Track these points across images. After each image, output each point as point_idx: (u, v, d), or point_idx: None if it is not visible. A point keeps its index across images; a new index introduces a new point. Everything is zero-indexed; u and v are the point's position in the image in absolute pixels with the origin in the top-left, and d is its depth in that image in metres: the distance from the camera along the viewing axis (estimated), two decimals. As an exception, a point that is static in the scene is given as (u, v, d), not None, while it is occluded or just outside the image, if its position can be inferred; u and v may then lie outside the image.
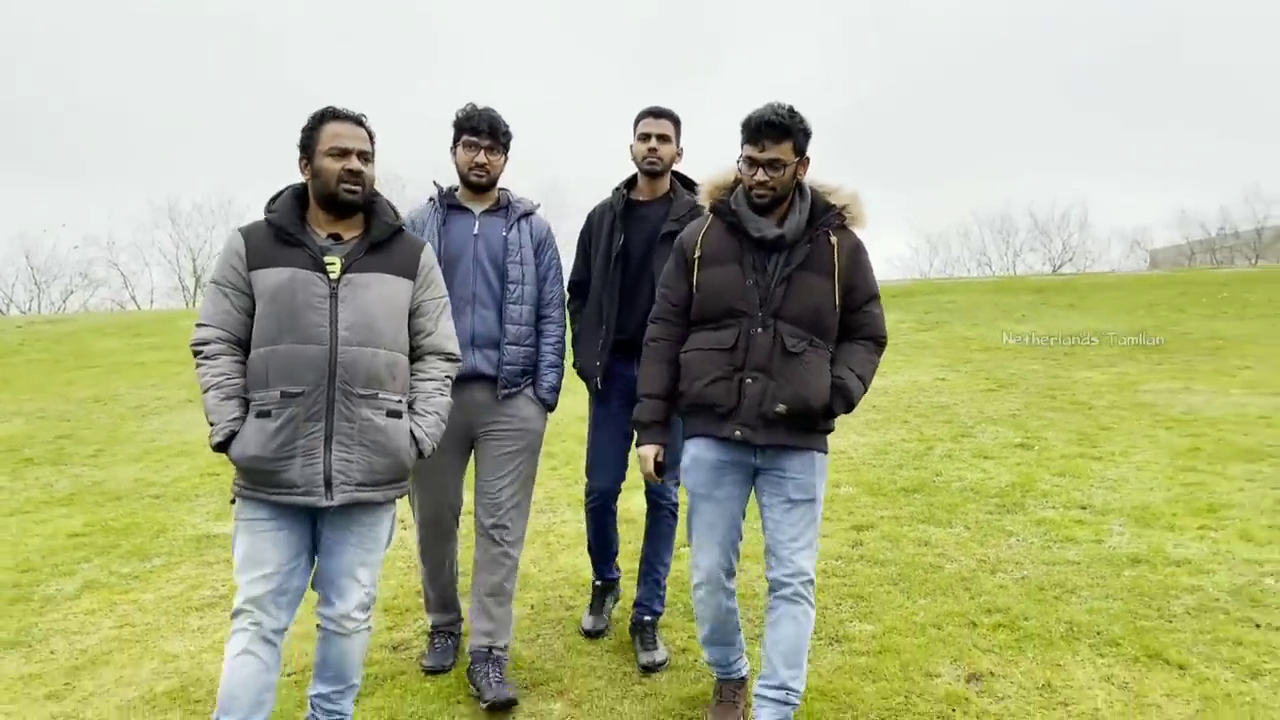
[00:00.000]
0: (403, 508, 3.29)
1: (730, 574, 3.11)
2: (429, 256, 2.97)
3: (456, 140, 3.51)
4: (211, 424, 2.70)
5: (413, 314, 2.90)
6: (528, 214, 3.59)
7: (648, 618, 3.81)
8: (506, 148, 3.53)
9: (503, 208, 3.55)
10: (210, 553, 5.24)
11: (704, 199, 3.16)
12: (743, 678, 3.29)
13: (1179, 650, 3.62)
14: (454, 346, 3.00)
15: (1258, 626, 3.78)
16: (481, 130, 3.43)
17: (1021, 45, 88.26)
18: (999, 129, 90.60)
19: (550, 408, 3.65)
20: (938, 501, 5.54)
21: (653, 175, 3.72)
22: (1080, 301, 13.64)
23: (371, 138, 2.86)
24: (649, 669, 3.65)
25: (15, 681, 3.80)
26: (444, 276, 3.25)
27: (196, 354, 2.77)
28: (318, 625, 2.86)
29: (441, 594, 3.74)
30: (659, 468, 3.15)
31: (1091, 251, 51.60)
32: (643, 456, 3.14)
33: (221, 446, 2.71)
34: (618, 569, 4.11)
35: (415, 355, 2.93)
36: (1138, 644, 3.67)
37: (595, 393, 3.76)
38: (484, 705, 3.34)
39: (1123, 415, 7.35)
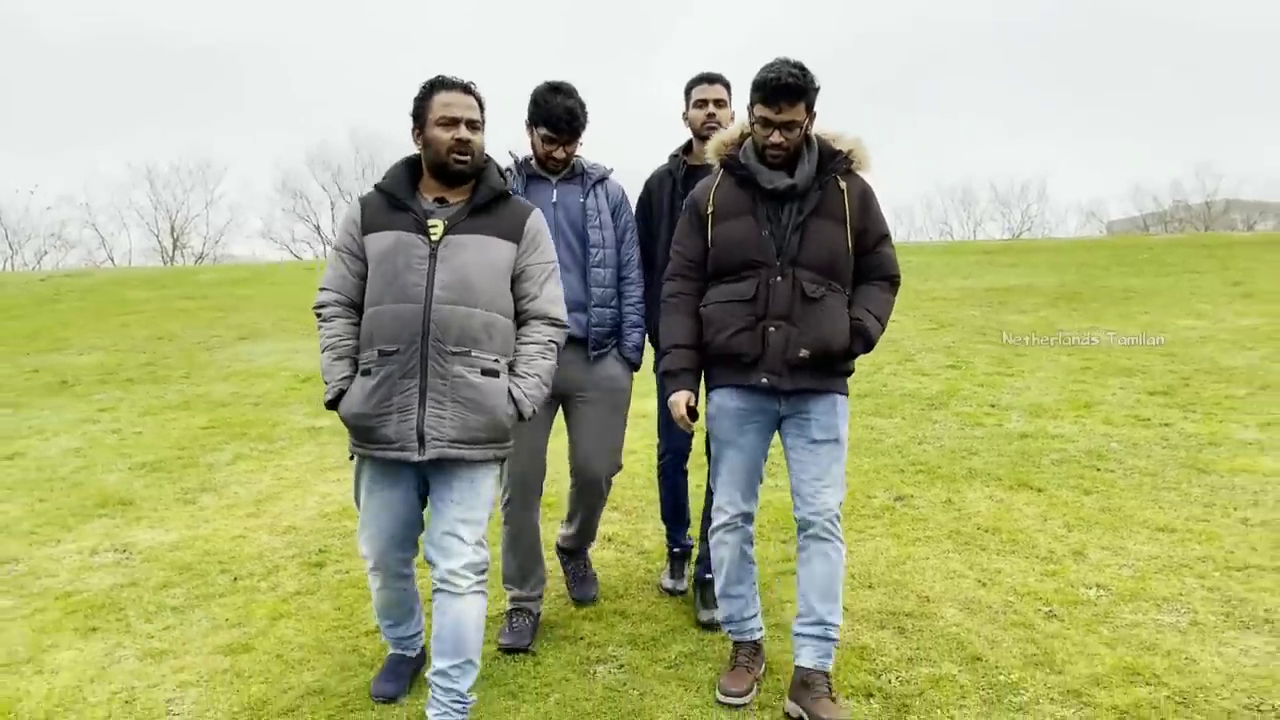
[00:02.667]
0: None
1: (749, 518, 3.18)
2: (537, 221, 2.99)
3: (534, 124, 3.54)
4: (326, 383, 2.86)
5: (517, 278, 2.92)
6: (602, 179, 3.66)
7: (709, 575, 3.76)
8: (582, 132, 3.58)
9: (578, 175, 3.62)
10: (321, 438, 6.74)
11: (712, 156, 3.21)
12: (756, 641, 3.27)
13: (1041, 482, 5.25)
14: (560, 312, 3.00)
15: (1098, 470, 5.41)
16: (561, 129, 3.47)
17: (982, 22, 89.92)
18: (958, 100, 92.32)
19: (635, 367, 3.73)
20: (883, 402, 7.16)
21: None
22: (1020, 261, 15.31)
23: (481, 104, 2.89)
24: (708, 627, 3.67)
25: (216, 511, 5.31)
26: None
27: (317, 316, 2.95)
28: (433, 591, 2.86)
29: (522, 562, 3.68)
30: (691, 413, 3.16)
31: (1049, 222, 53.71)
32: (674, 403, 3.15)
33: (332, 404, 2.85)
34: (690, 539, 4.11)
35: (520, 320, 2.95)
36: (1013, 478, 5.31)
37: None
38: (575, 599, 3.90)
39: (1036, 345, 8.99)
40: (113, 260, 44.46)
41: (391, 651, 3.32)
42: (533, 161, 3.61)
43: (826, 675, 3.05)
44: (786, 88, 2.91)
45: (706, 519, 3.73)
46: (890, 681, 3.27)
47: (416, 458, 2.75)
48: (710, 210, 3.11)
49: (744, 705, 3.09)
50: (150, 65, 78.75)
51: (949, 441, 6.09)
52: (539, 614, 3.72)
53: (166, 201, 47.95)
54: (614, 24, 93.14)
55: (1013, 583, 4.01)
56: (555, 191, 3.57)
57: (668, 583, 4.06)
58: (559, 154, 3.52)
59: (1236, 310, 9.91)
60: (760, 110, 2.98)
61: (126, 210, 58.82)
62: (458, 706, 2.84)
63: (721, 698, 3.10)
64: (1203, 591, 3.84)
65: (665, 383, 3.21)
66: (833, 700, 2.97)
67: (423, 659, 3.31)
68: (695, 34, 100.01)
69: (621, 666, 3.42)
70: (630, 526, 4.90)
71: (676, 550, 4.10)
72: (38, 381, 9.00)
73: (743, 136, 3.16)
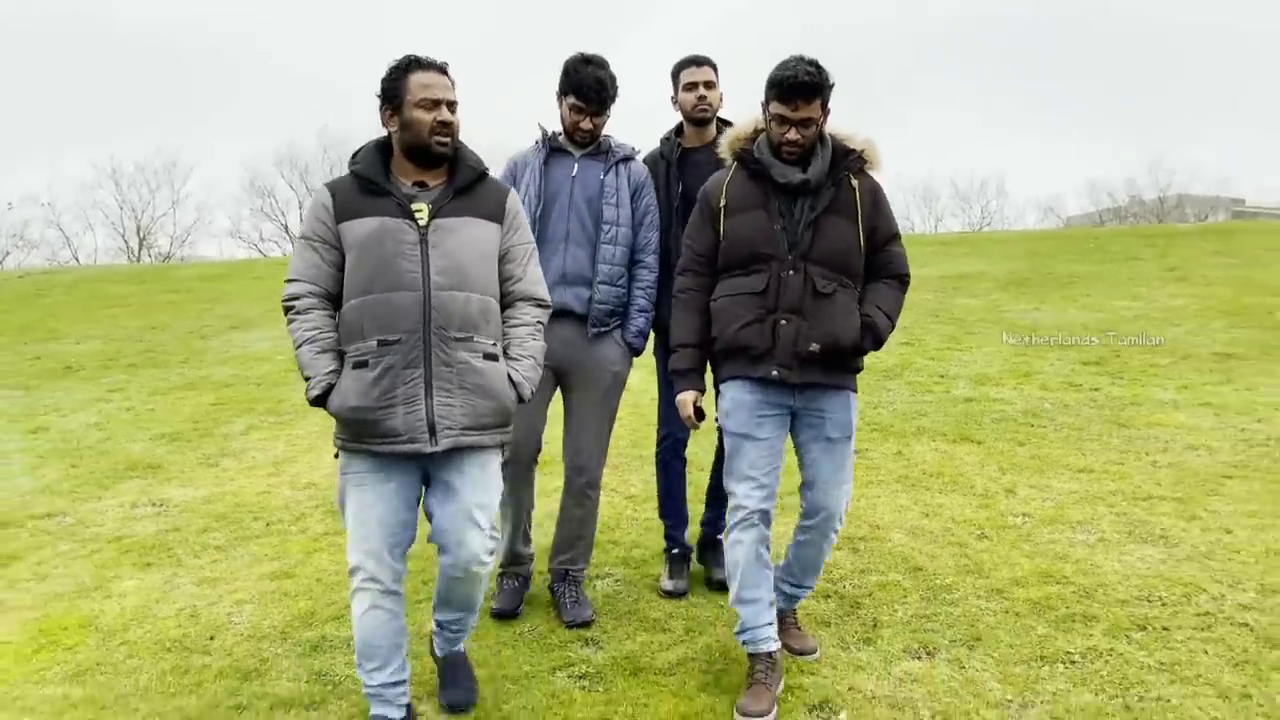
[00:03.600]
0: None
1: (767, 517, 3.09)
2: (514, 202, 2.94)
3: (564, 94, 3.53)
4: (308, 378, 2.69)
5: (501, 259, 2.87)
6: (627, 159, 3.63)
7: (718, 536, 3.93)
8: (611, 105, 3.56)
9: (603, 152, 3.60)
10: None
11: (725, 151, 3.21)
12: (772, 652, 3.10)
13: (981, 436, 5.90)
14: (544, 292, 2.97)
15: (1031, 426, 6.08)
16: (590, 99, 3.46)
17: (939, 18, 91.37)
18: (918, 97, 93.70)
19: (637, 352, 3.68)
20: (842, 375, 7.80)
21: (703, 123, 3.76)
22: (974, 251, 16.04)
23: (453, 85, 2.81)
24: (722, 585, 3.61)
25: (239, 472, 5.84)
26: (540, 215, 3.50)
27: (288, 310, 2.76)
28: (441, 570, 2.83)
29: (512, 536, 3.72)
30: (698, 412, 3.16)
31: (1009, 217, 54.90)
32: (681, 402, 3.16)
33: (320, 400, 2.69)
34: (690, 545, 4.06)
35: (506, 302, 2.89)
36: (957, 434, 5.96)
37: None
38: (566, 623, 3.60)
39: (985, 326, 9.68)
40: (77, 260, 44.32)
41: (373, 713, 2.87)
42: (560, 135, 3.60)
43: (793, 611, 3.40)
44: (803, 85, 2.93)
45: (715, 490, 3.95)
46: (845, 587, 3.89)
47: (430, 449, 2.66)
48: (723, 203, 3.10)
49: None
50: (116, 64, 78.22)
51: (901, 406, 6.73)
52: (528, 578, 3.82)
53: (132, 201, 47.66)
54: (578, 16, 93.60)
55: (951, 513, 4.65)
56: (576, 165, 3.56)
57: (667, 584, 3.90)
58: (586, 124, 3.51)
59: (1170, 292, 10.67)
60: (776, 108, 2.99)
61: (91, 210, 58.36)
62: (461, 634, 3.08)
63: (741, 719, 2.95)
64: (1111, 516, 4.49)
65: (673, 381, 3.23)
66: (799, 629, 3.37)
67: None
68: (661, 26, 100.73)
69: (618, 584, 4.01)
70: (619, 477, 5.47)
71: (676, 551, 3.98)
72: (42, 367, 9.42)
73: (756, 131, 3.16)
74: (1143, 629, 3.43)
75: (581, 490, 3.68)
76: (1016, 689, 3.09)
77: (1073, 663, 3.23)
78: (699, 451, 4.45)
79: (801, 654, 3.28)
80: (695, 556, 4.08)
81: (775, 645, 3.12)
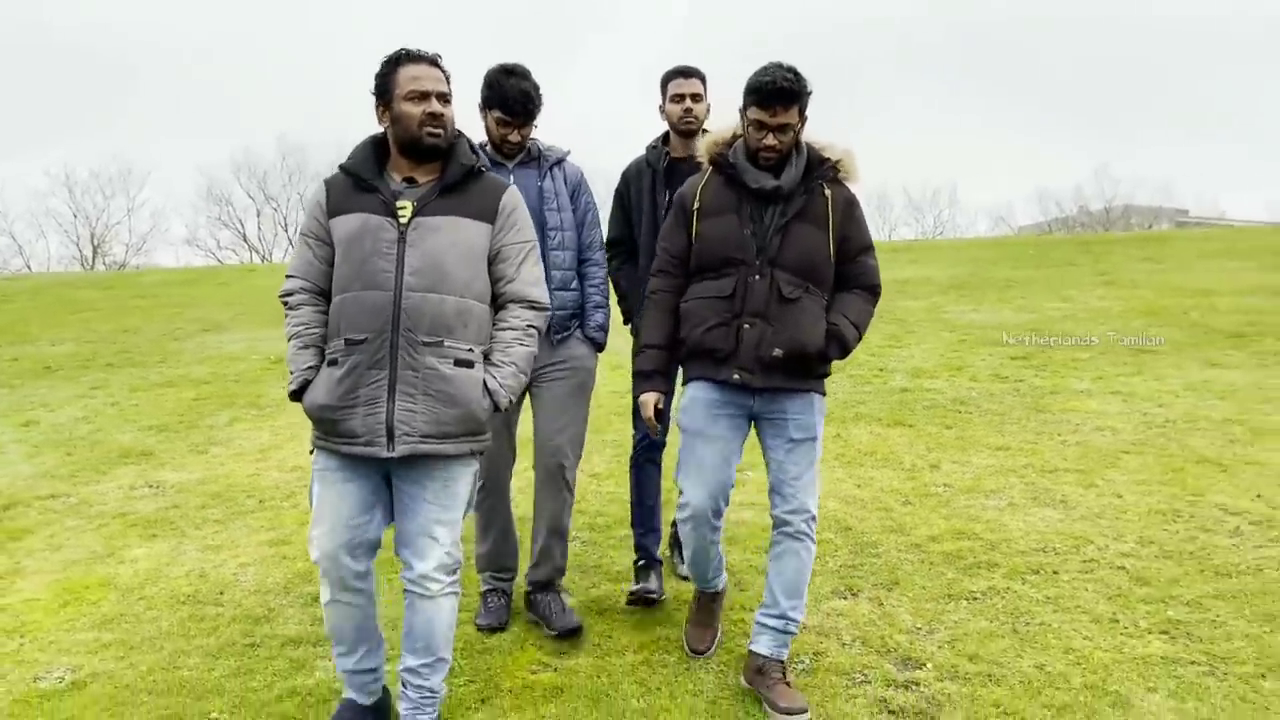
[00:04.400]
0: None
1: (718, 514, 3.13)
2: (512, 198, 2.82)
3: (488, 107, 3.46)
4: (290, 372, 2.71)
5: (493, 260, 2.77)
6: (559, 161, 3.59)
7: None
8: (537, 114, 3.50)
9: (534, 159, 3.55)
10: (303, 405, 7.67)
11: (702, 155, 3.22)
12: (717, 591, 3.42)
13: (912, 420, 6.48)
14: (540, 293, 2.85)
15: (959, 412, 6.67)
16: (516, 111, 3.40)
17: (891, 29, 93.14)
18: (870, 106, 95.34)
19: (600, 347, 3.68)
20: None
21: (689, 134, 3.76)
22: (921, 257, 16.75)
23: (448, 78, 2.76)
24: (687, 579, 3.87)
25: (228, 458, 6.26)
26: None
27: (284, 304, 2.79)
28: (404, 591, 2.76)
29: (496, 547, 3.71)
30: (658, 414, 3.18)
31: (960, 226, 56.18)
32: (643, 403, 3.18)
33: (296, 395, 2.70)
34: (660, 557, 3.95)
35: (497, 304, 2.81)
36: (891, 419, 6.53)
37: None
38: (551, 633, 3.52)
39: (924, 324, 10.30)
40: (29, 267, 43.93)
41: (344, 696, 2.90)
42: (487, 147, 3.53)
43: (781, 663, 3.13)
44: (781, 91, 2.94)
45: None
46: (784, 545, 4.41)
47: (385, 454, 2.60)
48: (696, 206, 3.12)
49: (708, 656, 3.39)
50: (67, 71, 77.28)
51: (842, 395, 7.30)
52: (511, 593, 3.77)
53: (86, 209, 47.38)
54: (529, 37, 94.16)
55: (881, 485, 5.20)
56: (511, 176, 3.46)
57: (636, 586, 3.81)
58: (514, 137, 3.46)
59: (1098, 295, 11.37)
60: (755, 113, 3.00)
61: (44, 218, 57.81)
62: (429, 701, 2.80)
63: (691, 652, 3.39)
64: (1021, 486, 5.07)
65: (636, 381, 3.23)
66: (788, 685, 3.08)
67: (383, 709, 2.95)
68: (610, 48, 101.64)
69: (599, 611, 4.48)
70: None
71: (642, 564, 3.90)
72: (21, 367, 9.71)
73: (734, 136, 3.16)
74: (1036, 573, 3.99)
75: (557, 486, 3.58)
76: (925, 619, 3.63)
77: (974, 599, 3.79)
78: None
79: (789, 713, 2.97)
80: (665, 550, 4.14)
81: (722, 585, 3.43)
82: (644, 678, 3.27)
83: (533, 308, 2.83)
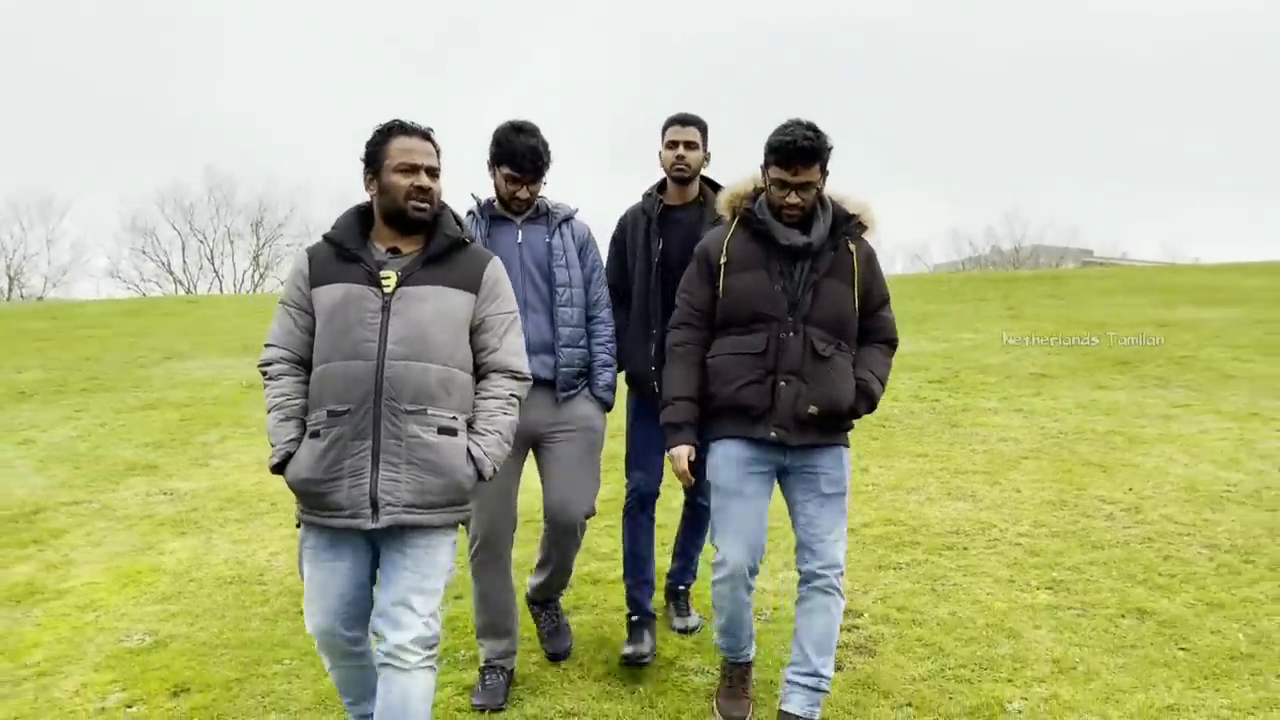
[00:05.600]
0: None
1: (754, 571, 3.12)
2: (496, 269, 2.85)
3: (497, 163, 3.46)
4: (272, 444, 2.68)
5: (476, 330, 2.78)
6: (568, 218, 3.59)
7: (681, 587, 4.09)
8: (545, 172, 3.49)
9: (543, 215, 3.54)
10: (286, 424, 8.26)
11: (724, 209, 3.24)
12: (749, 661, 3.35)
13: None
14: (522, 364, 2.85)
15: (883, 427, 7.56)
16: (525, 169, 3.40)
17: (805, 68, 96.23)
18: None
19: (608, 407, 3.63)
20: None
21: (682, 182, 3.74)
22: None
23: (438, 151, 2.79)
24: (683, 633, 3.94)
25: (231, 468, 6.86)
26: None
27: (263, 374, 2.77)
28: (378, 665, 2.68)
29: (493, 619, 3.54)
30: (692, 467, 3.16)
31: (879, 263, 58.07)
32: (676, 456, 3.14)
33: (278, 469, 2.67)
34: (654, 610, 3.89)
35: (480, 373, 2.81)
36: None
37: (650, 394, 3.68)
38: (547, 654, 3.73)
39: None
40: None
41: None
42: (496, 203, 3.55)
43: None
44: (801, 151, 2.95)
45: (681, 544, 4.11)
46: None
47: (369, 525, 2.58)
48: (724, 260, 3.11)
49: None
50: (-22, 98, 75.52)
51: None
52: (513, 670, 3.59)
53: (2, 239, 46.59)
54: (445, 69, 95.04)
55: (819, 485, 6.05)
56: (520, 232, 3.50)
57: (627, 649, 3.72)
58: (523, 194, 3.46)
59: (1004, 326, 12.49)
60: (776, 172, 3.02)
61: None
62: None
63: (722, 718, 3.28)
64: (937, 484, 5.96)
65: (667, 434, 3.19)
66: None
67: None
68: (526, 81, 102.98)
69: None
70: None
71: (636, 619, 3.82)
72: (-5, 393, 10.08)
73: (756, 190, 3.17)
74: (950, 549, 4.86)
75: (568, 539, 3.53)
76: (861, 583, 4.46)
77: (900, 568, 4.63)
78: (670, 496, 4.54)
79: None
80: (664, 595, 4.14)
81: (752, 655, 3.38)
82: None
83: (515, 378, 2.83)
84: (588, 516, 3.53)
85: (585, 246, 3.63)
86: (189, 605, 4.41)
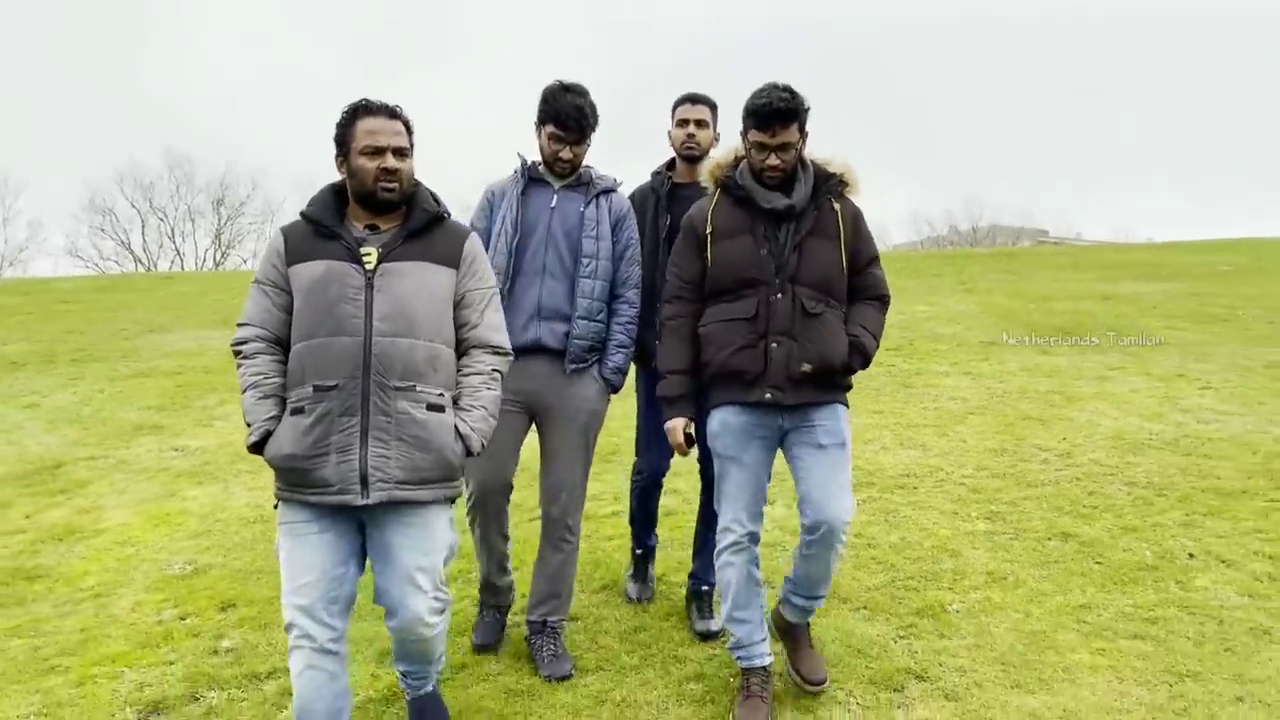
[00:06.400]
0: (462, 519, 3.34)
1: (755, 538, 3.13)
2: (474, 245, 2.85)
3: (542, 122, 3.42)
4: (248, 424, 2.63)
5: (457, 305, 2.78)
6: (608, 191, 3.52)
7: (704, 588, 3.89)
8: (592, 134, 3.45)
9: (583, 184, 3.49)
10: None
11: (707, 180, 3.24)
12: (766, 666, 3.20)
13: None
14: (502, 339, 2.86)
15: (870, 376, 8.13)
16: (570, 127, 3.35)
17: (767, 51, 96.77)
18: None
19: (615, 389, 3.57)
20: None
21: (691, 160, 3.73)
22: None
23: (409, 128, 2.76)
24: (705, 636, 3.73)
25: (235, 427, 7.28)
26: (516, 247, 3.37)
27: (236, 354, 2.72)
28: (394, 640, 2.80)
29: (492, 569, 3.62)
30: (688, 439, 3.16)
31: (840, 243, 58.82)
32: (671, 429, 3.15)
33: (257, 447, 2.63)
34: (655, 536, 4.18)
35: (461, 349, 2.81)
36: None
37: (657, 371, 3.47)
38: (544, 677, 3.41)
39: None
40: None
41: None
42: (540, 165, 3.50)
43: (807, 627, 3.33)
44: (778, 111, 2.97)
45: (698, 546, 3.94)
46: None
47: (359, 501, 2.56)
48: (709, 230, 3.12)
49: None
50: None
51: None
52: (507, 607, 3.74)
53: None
54: (394, 46, 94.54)
55: (785, 438, 6.62)
56: (555, 197, 3.46)
57: (633, 590, 4.03)
58: (566, 154, 3.40)
59: (958, 300, 13.15)
60: (755, 135, 3.03)
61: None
62: (424, 683, 3.02)
63: None
64: (891, 436, 6.55)
65: (663, 408, 3.21)
66: (812, 649, 3.30)
67: None
68: (471, 61, 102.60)
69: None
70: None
71: (640, 552, 4.10)
72: (-13, 363, 10.38)
73: (737, 159, 3.19)
74: (901, 488, 5.44)
75: (560, 535, 3.54)
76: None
77: (858, 504, 5.18)
78: (685, 488, 4.93)
79: (809, 683, 3.19)
80: (685, 598, 4.02)
81: (769, 659, 3.22)
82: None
83: (496, 353, 2.84)
84: (579, 508, 3.58)
85: (621, 222, 3.56)
86: (219, 540, 4.88)
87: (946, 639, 3.66)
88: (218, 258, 47.21)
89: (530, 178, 3.51)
